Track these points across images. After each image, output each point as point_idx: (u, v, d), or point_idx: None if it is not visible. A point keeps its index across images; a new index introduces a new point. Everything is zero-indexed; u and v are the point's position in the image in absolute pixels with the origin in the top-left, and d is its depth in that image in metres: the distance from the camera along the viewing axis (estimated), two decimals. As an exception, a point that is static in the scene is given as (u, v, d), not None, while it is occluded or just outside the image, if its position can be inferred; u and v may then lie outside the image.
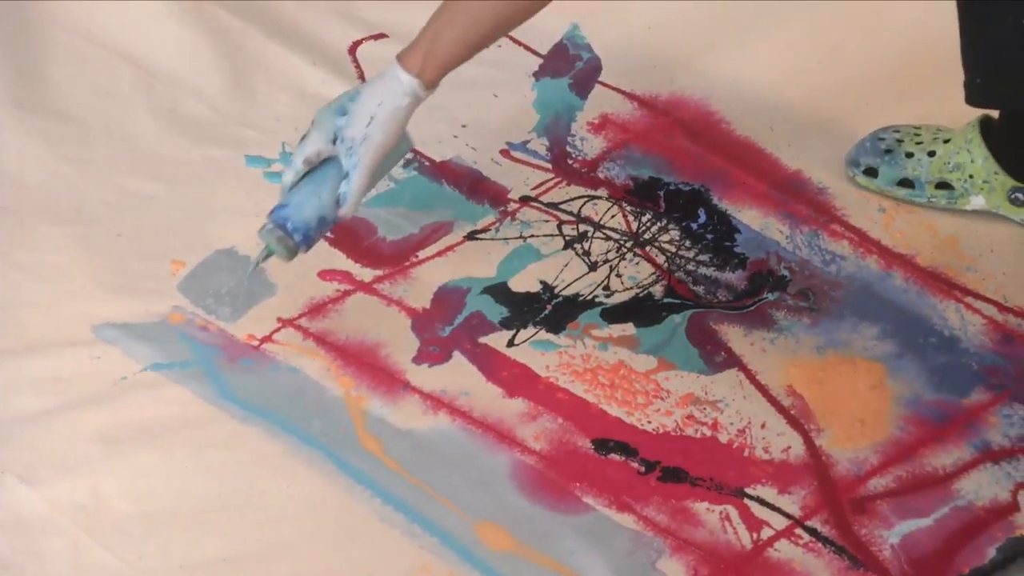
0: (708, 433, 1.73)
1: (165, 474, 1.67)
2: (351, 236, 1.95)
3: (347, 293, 1.89)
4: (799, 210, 2.00)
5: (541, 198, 2.03)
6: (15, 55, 2.16)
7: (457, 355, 1.82)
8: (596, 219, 2.00)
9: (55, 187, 2.00)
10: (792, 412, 1.76)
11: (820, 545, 1.62)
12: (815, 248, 1.95)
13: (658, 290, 1.90)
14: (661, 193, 2.03)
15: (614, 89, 2.20)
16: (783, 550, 1.62)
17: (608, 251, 1.95)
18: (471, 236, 1.97)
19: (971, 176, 1.95)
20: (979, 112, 1.96)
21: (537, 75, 2.23)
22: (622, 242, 1.97)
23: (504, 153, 2.09)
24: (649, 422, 1.74)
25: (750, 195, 2.03)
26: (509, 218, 2.00)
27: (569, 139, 2.12)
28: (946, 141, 1.99)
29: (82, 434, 1.69)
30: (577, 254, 1.95)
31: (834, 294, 1.90)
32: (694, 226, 1.99)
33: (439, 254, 1.95)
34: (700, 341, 1.84)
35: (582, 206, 2.02)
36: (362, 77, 2.21)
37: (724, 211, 2.01)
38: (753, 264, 1.94)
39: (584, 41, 2.28)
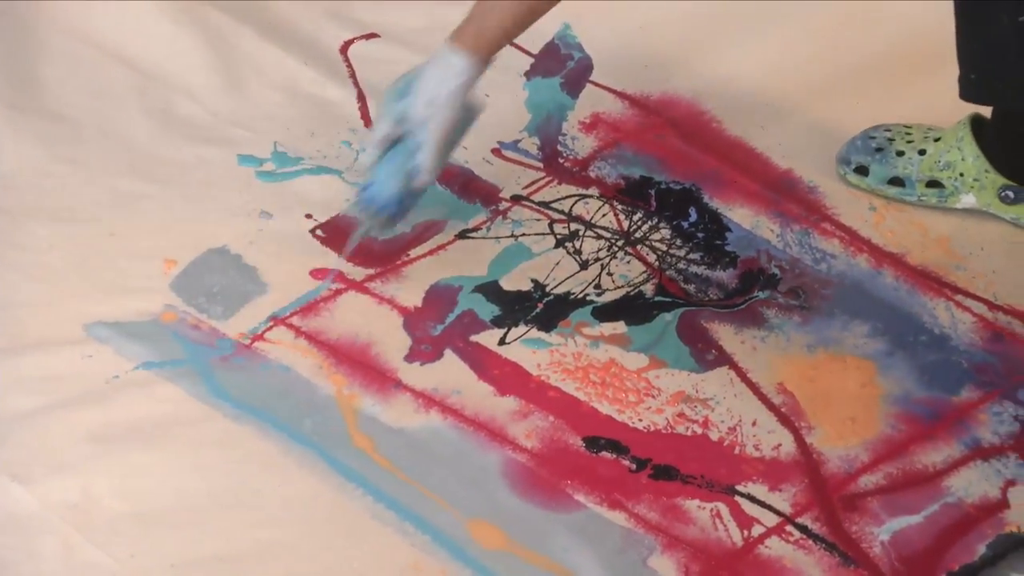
0: (699, 431, 1.73)
1: (157, 473, 1.66)
2: (343, 235, 1.94)
3: (339, 292, 1.88)
4: (790, 209, 2.00)
5: (532, 197, 2.03)
6: (8, 56, 2.16)
7: (449, 353, 1.81)
8: (587, 218, 2.00)
9: (48, 187, 2.00)
10: (783, 410, 1.75)
11: (811, 542, 1.62)
12: (806, 247, 1.95)
13: (649, 288, 1.90)
14: (652, 192, 2.03)
15: (605, 88, 2.20)
16: (774, 547, 1.62)
17: (599, 250, 1.95)
18: (463, 235, 1.97)
19: (961, 174, 1.95)
20: (970, 110, 1.96)
21: (528, 74, 2.23)
22: (613, 241, 1.96)
23: (496, 152, 2.09)
24: (640, 420, 1.74)
25: (741, 194, 2.02)
26: (500, 217, 2.00)
27: (560, 138, 2.12)
28: (936, 140, 1.99)
29: (74, 433, 1.69)
30: (568, 253, 1.95)
31: (825, 292, 1.89)
32: (685, 225, 1.99)
33: (431, 253, 1.94)
34: (691, 339, 1.84)
35: (573, 205, 2.02)
36: (354, 76, 2.20)
37: (715, 210, 2.01)
38: (744, 262, 1.93)
39: (575, 41, 2.28)
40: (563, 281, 1.91)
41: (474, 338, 1.83)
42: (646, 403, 1.76)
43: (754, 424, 1.74)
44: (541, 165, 2.08)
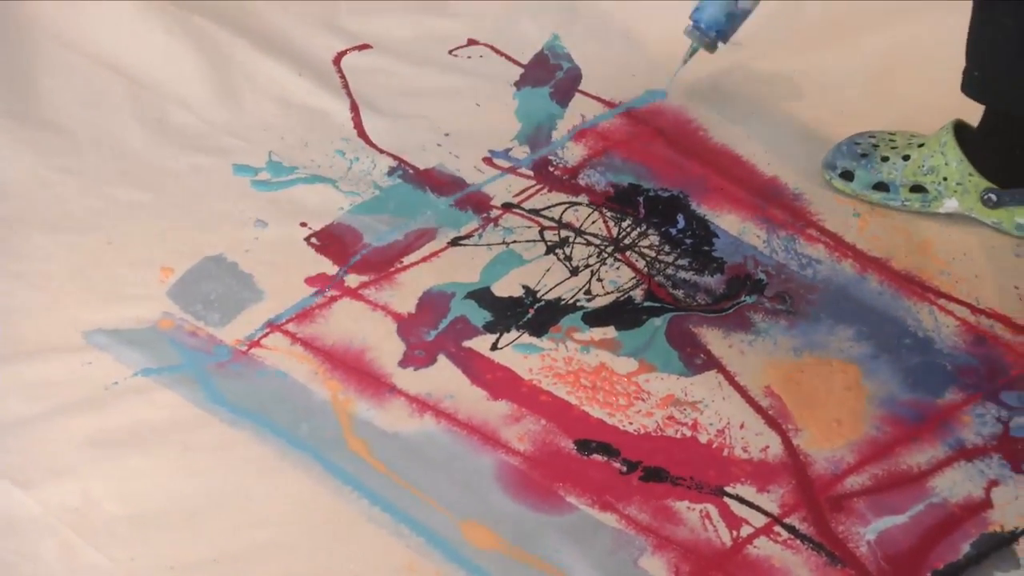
0: (688, 433, 1.73)
1: (156, 477, 1.67)
2: (338, 243, 1.95)
3: (334, 298, 1.88)
4: (776, 215, 2.01)
5: (523, 205, 2.03)
6: (5, 67, 2.16)
7: (442, 359, 1.82)
8: (577, 225, 2.00)
9: (46, 196, 2.00)
10: (770, 412, 1.76)
11: (798, 542, 1.62)
12: (792, 252, 1.95)
13: (638, 294, 1.90)
14: (641, 199, 2.04)
15: (594, 98, 2.20)
16: (762, 547, 1.62)
17: (589, 256, 1.95)
18: (455, 242, 1.97)
19: (945, 179, 1.95)
20: (953, 116, 1.97)
21: (519, 84, 2.24)
22: (603, 247, 1.97)
23: (487, 161, 2.09)
24: (630, 423, 1.74)
25: (728, 201, 2.03)
26: (492, 224, 2.00)
27: (550, 146, 2.12)
28: (920, 145, 1.99)
29: (74, 438, 1.69)
30: (559, 259, 1.95)
31: (810, 297, 1.90)
32: (673, 231, 1.99)
33: (424, 260, 1.95)
34: (680, 343, 1.84)
35: (563, 212, 2.02)
36: (347, 87, 2.20)
37: (702, 216, 2.01)
38: (731, 268, 1.94)
39: (564, 51, 2.28)
40: (554, 287, 1.91)
41: (467, 344, 1.84)
42: (636, 406, 1.76)
43: (742, 427, 1.74)
44: (532, 173, 2.08)
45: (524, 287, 1.91)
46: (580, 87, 2.23)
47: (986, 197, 1.94)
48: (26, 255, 1.92)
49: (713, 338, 1.85)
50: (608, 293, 1.91)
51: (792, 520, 1.64)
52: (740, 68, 2.23)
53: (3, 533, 1.61)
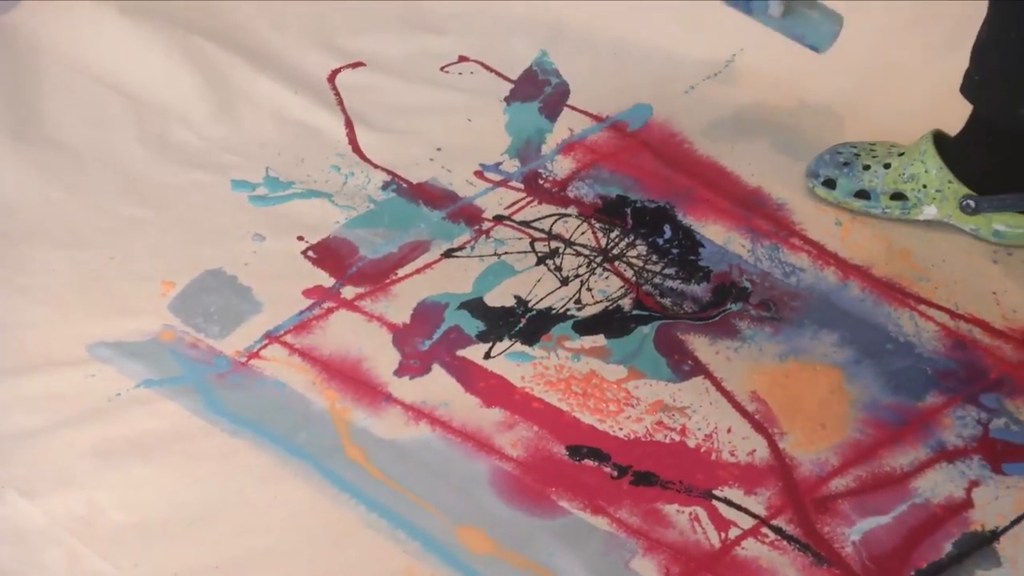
0: (677, 438, 1.73)
1: (158, 485, 1.66)
2: (334, 256, 1.95)
3: (330, 310, 1.88)
4: (760, 225, 2.01)
5: (514, 217, 2.03)
6: (10, 89, 2.16)
7: (436, 368, 1.81)
8: (567, 236, 2.00)
9: (50, 213, 2.00)
10: (756, 417, 1.76)
11: (785, 543, 1.62)
12: (775, 261, 1.95)
13: (627, 303, 1.90)
14: (628, 210, 2.04)
15: (582, 112, 2.20)
16: (750, 548, 1.62)
17: (579, 266, 1.95)
18: (448, 254, 1.97)
19: (924, 186, 1.96)
20: (932, 127, 1.97)
21: (508, 100, 2.23)
22: (592, 257, 1.97)
23: (478, 174, 2.09)
24: (620, 429, 1.74)
25: (713, 211, 2.03)
26: (484, 236, 2.00)
27: (540, 160, 2.12)
28: (900, 154, 1.99)
29: (78, 448, 1.69)
30: (549, 270, 1.95)
31: (794, 304, 1.90)
32: (660, 241, 1.99)
33: (418, 271, 1.94)
34: (668, 350, 1.84)
35: (553, 224, 2.02)
36: (341, 104, 2.20)
37: (688, 227, 2.01)
38: (717, 277, 1.94)
39: (552, 67, 2.28)
40: (545, 297, 1.91)
41: (461, 353, 1.83)
42: (626, 412, 1.76)
43: (729, 431, 1.74)
44: (522, 186, 2.08)
45: (516, 297, 1.91)
46: (568, 102, 2.22)
47: (964, 204, 1.95)
48: (31, 270, 1.92)
49: (700, 345, 1.85)
50: (598, 302, 1.90)
51: (779, 522, 1.65)
52: (724, 83, 2.23)
53: (10, 542, 1.60)
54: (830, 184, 2.02)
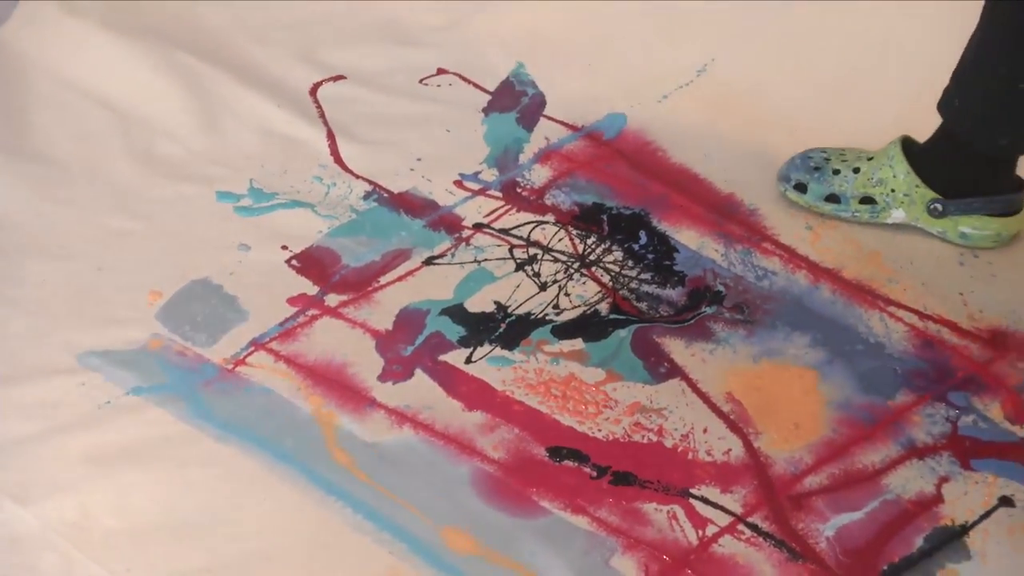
0: (654, 439, 1.74)
1: (149, 491, 1.66)
2: (317, 265, 1.95)
3: (315, 317, 1.88)
4: (732, 230, 2.01)
5: (493, 224, 2.03)
6: (2, 105, 2.16)
7: (419, 372, 1.82)
8: (545, 243, 2.00)
9: (40, 226, 1.99)
10: (732, 417, 1.76)
11: (761, 539, 1.63)
12: (748, 265, 1.96)
13: (604, 307, 1.91)
14: (604, 217, 2.04)
15: (558, 122, 2.20)
16: (727, 545, 1.62)
17: (557, 272, 1.96)
18: (429, 261, 1.97)
19: (893, 190, 1.96)
20: (897, 135, 1.98)
21: (486, 110, 2.24)
22: (569, 263, 1.97)
23: (457, 184, 2.09)
24: (599, 430, 1.74)
25: (687, 217, 2.03)
26: (464, 244, 2.00)
27: (517, 169, 2.12)
28: (869, 159, 2.00)
29: (70, 455, 1.69)
30: (528, 276, 1.95)
31: (767, 307, 1.90)
32: (636, 247, 1.99)
33: (400, 279, 1.94)
34: (644, 353, 1.84)
35: (531, 231, 2.02)
36: (323, 116, 2.20)
37: (663, 232, 2.01)
38: (691, 281, 1.94)
39: (529, 78, 2.29)
40: (524, 302, 1.91)
41: (442, 358, 1.84)
42: (604, 414, 1.76)
43: (705, 431, 1.75)
44: (500, 194, 2.08)
45: (496, 303, 1.91)
46: (544, 112, 2.23)
47: (932, 207, 1.95)
48: (22, 282, 1.91)
49: (676, 347, 1.85)
50: (576, 307, 1.91)
51: (755, 519, 1.65)
52: (696, 92, 2.23)
53: (4, 549, 1.60)
54: (801, 188, 2.02)
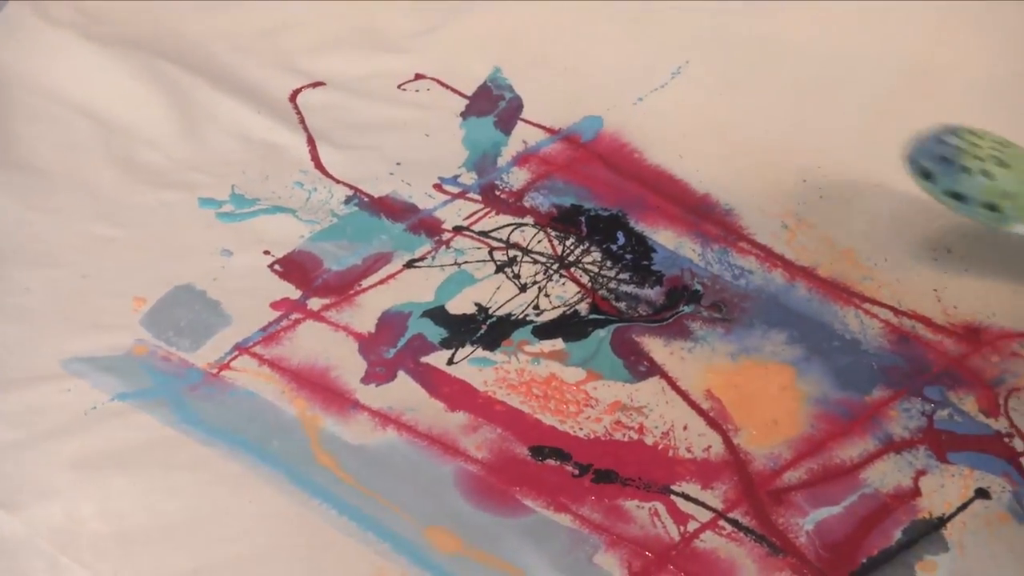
0: (635, 436, 1.74)
1: (136, 495, 1.66)
2: (299, 269, 1.94)
3: (298, 321, 1.88)
4: (709, 230, 2.01)
5: (473, 227, 2.03)
6: (-17, 116, 2.16)
7: (402, 374, 1.81)
8: (524, 244, 2.00)
9: (24, 234, 1.99)
10: (711, 414, 1.76)
11: (742, 534, 1.63)
12: (725, 264, 1.96)
13: (584, 307, 1.91)
14: (583, 219, 2.04)
15: (535, 125, 2.20)
16: (708, 540, 1.63)
17: (536, 273, 1.95)
18: (410, 264, 1.97)
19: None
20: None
21: (464, 115, 2.23)
22: (549, 265, 1.97)
23: (437, 187, 2.09)
24: (581, 429, 1.74)
25: (664, 218, 2.03)
26: (444, 247, 1.99)
27: (496, 172, 2.12)
28: (1005, 166, 1.89)
29: (57, 461, 1.68)
30: (508, 277, 1.95)
31: (744, 305, 1.90)
32: (614, 248, 1.99)
33: (381, 282, 1.94)
34: (624, 352, 1.84)
35: (511, 233, 2.02)
36: (303, 122, 2.20)
37: (641, 233, 2.01)
38: (669, 280, 1.94)
39: (506, 82, 2.28)
40: (504, 304, 1.91)
41: (424, 359, 1.83)
42: (585, 413, 1.76)
43: (685, 428, 1.75)
44: (479, 197, 2.08)
45: (476, 304, 1.91)
46: (522, 115, 2.22)
47: None
48: (6, 289, 1.90)
49: (655, 346, 1.85)
50: (555, 307, 1.91)
51: (735, 514, 1.65)
52: (672, 93, 2.23)
53: (-7, 554, 1.60)
54: (927, 175, 1.91)
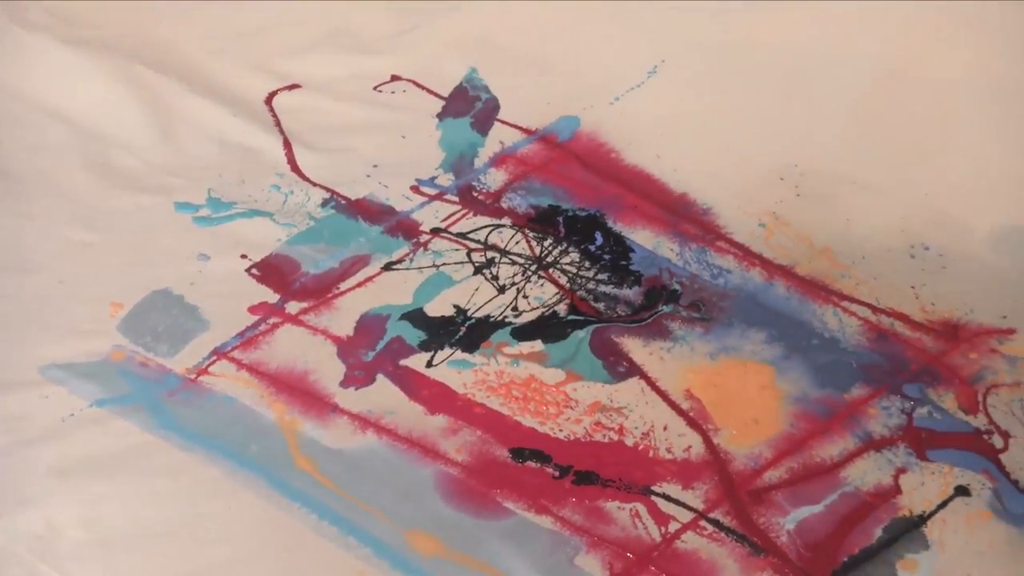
0: (615, 437, 1.73)
1: (116, 502, 1.65)
2: (277, 273, 1.93)
3: (276, 325, 1.87)
4: (687, 229, 2.01)
5: (450, 229, 2.02)
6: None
7: (381, 378, 1.81)
8: (502, 246, 1.99)
9: (0, 240, 1.98)
10: (691, 414, 1.76)
11: (723, 535, 1.63)
12: (703, 263, 1.96)
13: (562, 308, 1.90)
14: (560, 219, 2.03)
15: (512, 126, 2.20)
16: (689, 541, 1.62)
17: (515, 275, 1.95)
18: (388, 267, 1.96)
19: None
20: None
21: (440, 116, 2.23)
22: (527, 266, 1.96)
23: (414, 189, 2.09)
24: (561, 430, 1.74)
25: (642, 217, 2.03)
26: (422, 249, 1.99)
27: (473, 173, 2.11)
28: None
29: (36, 468, 1.67)
30: (486, 279, 1.94)
31: (723, 304, 1.90)
32: (592, 248, 1.99)
33: (359, 285, 1.93)
34: (603, 353, 1.84)
35: (488, 234, 2.01)
36: (279, 125, 2.19)
37: (619, 233, 2.01)
38: (648, 280, 1.94)
39: (482, 83, 2.28)
40: (483, 305, 1.90)
41: (403, 362, 1.83)
42: (565, 414, 1.76)
43: (665, 428, 1.74)
44: (457, 199, 2.07)
45: (455, 306, 1.90)
46: (498, 116, 2.22)
47: None
48: (-18, 296, 1.90)
49: (634, 347, 1.85)
50: (534, 309, 1.90)
51: (716, 514, 1.65)
52: (648, 93, 2.23)
53: (-29, 563, 1.59)
54: None
